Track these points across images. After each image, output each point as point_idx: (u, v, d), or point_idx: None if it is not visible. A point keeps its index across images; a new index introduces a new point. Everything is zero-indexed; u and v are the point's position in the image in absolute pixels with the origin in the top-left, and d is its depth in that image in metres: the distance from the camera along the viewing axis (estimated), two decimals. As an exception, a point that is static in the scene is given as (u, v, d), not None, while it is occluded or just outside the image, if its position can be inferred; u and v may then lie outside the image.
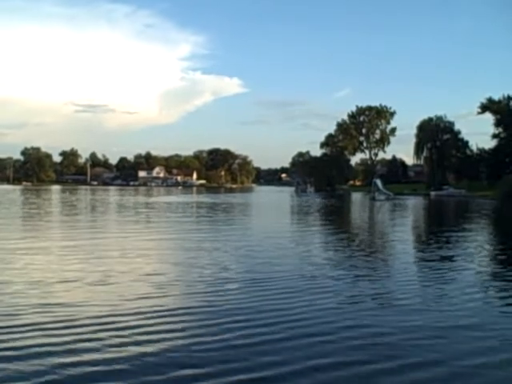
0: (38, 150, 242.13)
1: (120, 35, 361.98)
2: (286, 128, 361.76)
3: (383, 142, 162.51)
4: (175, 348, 8.85)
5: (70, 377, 7.65)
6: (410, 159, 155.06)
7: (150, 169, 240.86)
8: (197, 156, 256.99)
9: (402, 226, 38.26)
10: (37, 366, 7.95)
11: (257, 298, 12.34)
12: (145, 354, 8.51)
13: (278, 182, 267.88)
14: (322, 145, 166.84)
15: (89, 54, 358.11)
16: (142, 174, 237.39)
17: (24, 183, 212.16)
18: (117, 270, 15.96)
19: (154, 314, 10.86)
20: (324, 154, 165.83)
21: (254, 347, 8.92)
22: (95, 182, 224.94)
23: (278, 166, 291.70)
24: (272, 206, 66.44)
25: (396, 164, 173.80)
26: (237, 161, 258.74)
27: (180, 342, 9.16)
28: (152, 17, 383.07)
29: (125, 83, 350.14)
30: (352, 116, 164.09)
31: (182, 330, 9.86)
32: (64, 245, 22.16)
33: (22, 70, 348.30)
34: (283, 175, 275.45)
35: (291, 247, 22.39)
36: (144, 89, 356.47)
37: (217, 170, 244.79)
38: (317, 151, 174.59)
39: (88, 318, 10.53)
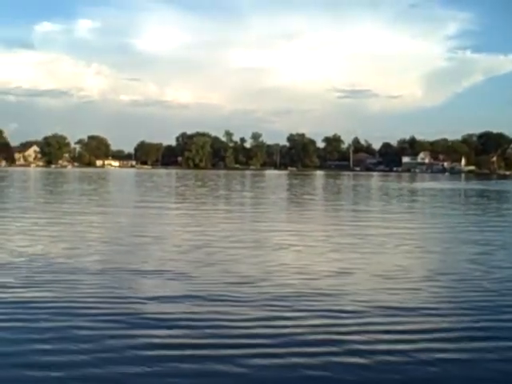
0: (302, 136, 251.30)
1: (382, 17, 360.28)
2: None
3: None
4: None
5: None
6: None
7: (414, 154, 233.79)
8: (465, 140, 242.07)
9: None
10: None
11: None
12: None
13: None
14: None
15: (349, 39, 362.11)
16: (405, 159, 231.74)
17: (289, 168, 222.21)
18: (400, 264, 14.09)
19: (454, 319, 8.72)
20: None
21: None
22: (358, 168, 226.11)
23: None
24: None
25: None
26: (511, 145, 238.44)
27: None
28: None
29: (387, 66, 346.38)
30: None
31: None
32: (333, 231, 21.14)
33: (287, 59, 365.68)
34: None
35: None
36: (407, 71, 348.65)
37: (488, 156, 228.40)
38: None
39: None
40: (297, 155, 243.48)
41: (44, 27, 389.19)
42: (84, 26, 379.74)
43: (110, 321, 8.61)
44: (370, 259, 14.70)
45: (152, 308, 9.47)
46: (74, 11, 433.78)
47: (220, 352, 7.38)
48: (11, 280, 11.25)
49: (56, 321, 8.57)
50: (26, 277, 11.60)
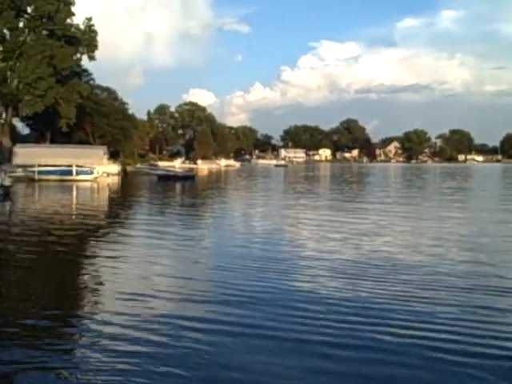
0: None
1: None
2: None
3: None
4: None
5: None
6: None
7: None
8: None
9: None
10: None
11: None
12: None
13: None
14: None
15: None
16: None
17: None
18: None
19: None
20: None
21: None
22: None
23: None
24: None
25: None
26: None
27: None
28: None
29: None
30: None
31: None
32: None
33: None
34: None
35: None
36: None
37: None
38: None
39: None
40: None
41: (405, 23, 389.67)
42: (446, 18, 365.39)
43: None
44: None
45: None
46: (436, 3, 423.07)
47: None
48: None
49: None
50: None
